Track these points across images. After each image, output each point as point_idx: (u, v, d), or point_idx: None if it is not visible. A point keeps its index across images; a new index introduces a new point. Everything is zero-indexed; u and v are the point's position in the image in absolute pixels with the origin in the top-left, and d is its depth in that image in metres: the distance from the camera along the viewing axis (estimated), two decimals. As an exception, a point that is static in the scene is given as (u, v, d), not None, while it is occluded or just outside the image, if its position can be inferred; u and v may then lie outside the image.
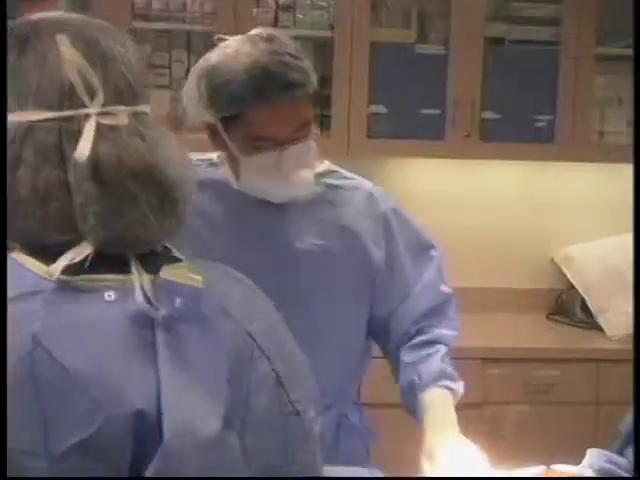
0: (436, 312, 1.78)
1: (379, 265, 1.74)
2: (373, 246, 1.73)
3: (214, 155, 1.73)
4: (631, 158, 3.15)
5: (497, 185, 3.37)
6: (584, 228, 3.38)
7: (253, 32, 1.61)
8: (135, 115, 0.95)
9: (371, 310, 1.77)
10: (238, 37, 1.61)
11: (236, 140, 1.58)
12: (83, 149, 0.89)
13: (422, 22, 3.09)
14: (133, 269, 0.91)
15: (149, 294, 0.89)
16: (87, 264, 0.88)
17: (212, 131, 1.61)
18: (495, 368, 2.92)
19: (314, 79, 1.60)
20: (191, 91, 1.60)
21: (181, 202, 0.96)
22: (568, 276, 3.32)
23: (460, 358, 2.67)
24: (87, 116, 0.91)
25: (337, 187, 1.75)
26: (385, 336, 1.78)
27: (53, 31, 0.93)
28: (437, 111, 3.06)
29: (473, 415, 2.88)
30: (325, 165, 1.76)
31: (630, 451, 1.35)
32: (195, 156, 1.72)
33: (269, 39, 1.58)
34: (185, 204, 0.97)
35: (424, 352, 1.73)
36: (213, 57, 1.58)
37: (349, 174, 1.79)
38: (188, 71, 3.00)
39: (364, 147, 3.05)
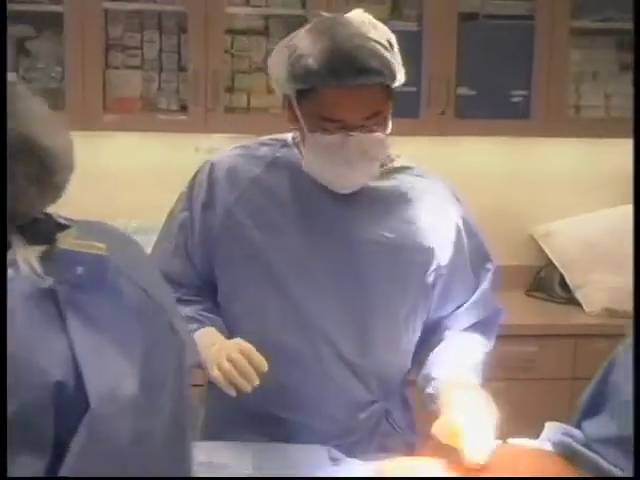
0: (482, 324, 1.78)
1: (442, 269, 1.72)
2: (440, 249, 1.71)
3: (289, 136, 1.74)
4: (608, 132, 3.23)
5: (474, 162, 3.38)
6: (562, 204, 3.41)
7: (348, 14, 1.63)
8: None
9: (428, 312, 1.76)
10: (327, 16, 1.64)
11: (306, 116, 1.59)
12: None
13: (395, -2, 3.08)
14: (15, 243, 0.92)
15: (35, 266, 0.90)
16: None
17: (289, 105, 1.63)
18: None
19: (399, 73, 1.60)
20: (276, 64, 1.62)
21: (59, 171, 0.96)
22: (547, 252, 3.35)
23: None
24: None
25: (410, 182, 1.73)
26: (431, 336, 1.77)
27: None
28: (412, 89, 3.05)
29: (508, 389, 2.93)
30: (402, 160, 1.76)
31: (587, 424, 1.39)
32: (270, 136, 1.76)
33: (352, 21, 1.59)
34: (65, 173, 0.97)
35: (458, 336, 1.75)
36: (298, 33, 1.60)
37: (426, 172, 1.78)
38: (160, 51, 3.06)
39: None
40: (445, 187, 1.78)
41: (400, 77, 1.61)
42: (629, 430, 1.25)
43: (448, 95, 3.06)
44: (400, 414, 1.78)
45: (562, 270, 3.29)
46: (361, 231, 1.67)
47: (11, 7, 2.82)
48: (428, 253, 1.70)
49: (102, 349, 0.90)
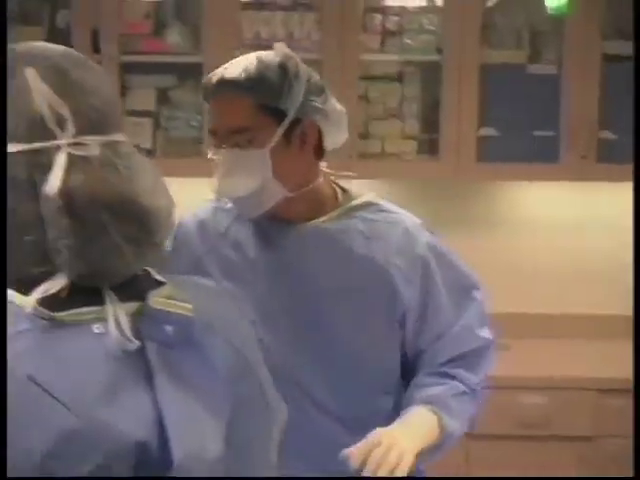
0: (470, 357, 1.74)
1: (409, 303, 1.70)
2: (404, 284, 1.69)
3: None
4: None
5: (615, 208, 3.29)
6: None
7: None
8: (108, 145, 0.94)
9: (402, 347, 1.74)
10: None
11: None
12: (53, 182, 0.89)
13: (534, 41, 3.06)
14: (107, 301, 0.91)
15: (124, 325, 0.90)
16: (65, 295, 0.89)
17: None
18: (610, 399, 2.86)
19: (280, 93, 1.58)
20: None
21: (158, 231, 0.95)
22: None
23: (574, 388, 2.63)
24: (58, 148, 0.91)
25: (373, 220, 1.72)
26: (412, 372, 1.75)
27: (24, 63, 0.93)
28: (551, 133, 3.02)
29: (586, 448, 2.83)
30: (367, 197, 1.74)
31: None
32: None
33: (266, 51, 1.64)
34: (163, 232, 0.96)
35: (438, 380, 1.71)
36: None
37: (392, 208, 1.76)
38: (295, 99, 3.12)
39: (474, 171, 3.03)
40: (411, 221, 1.75)
41: (289, 99, 1.59)
42: None
43: (590, 139, 2.98)
44: None
45: None
46: (324, 278, 1.68)
47: (155, 58, 2.96)
48: (389, 290, 1.69)
49: (189, 409, 0.89)
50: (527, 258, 3.32)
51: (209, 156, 1.64)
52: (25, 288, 0.89)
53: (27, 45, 0.97)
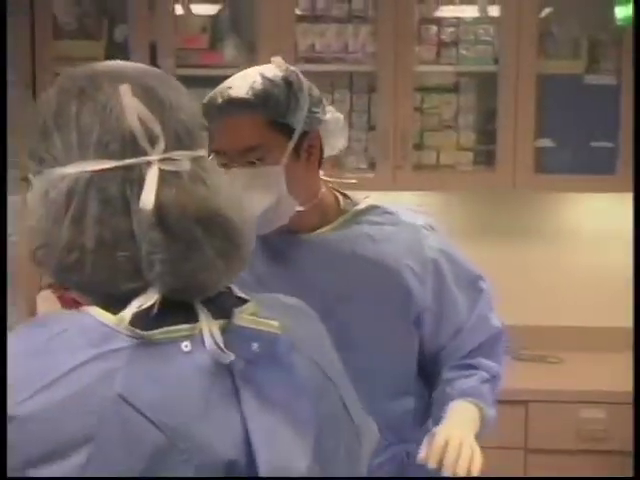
0: (486, 346, 1.79)
1: (423, 303, 1.71)
2: (416, 284, 1.70)
3: None
4: None
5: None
6: None
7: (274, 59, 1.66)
8: (195, 160, 0.95)
9: (421, 346, 1.76)
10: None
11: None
12: (147, 197, 0.90)
13: (592, 51, 3.03)
14: (201, 316, 0.92)
15: (218, 340, 0.90)
16: (155, 311, 0.90)
17: None
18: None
19: (289, 108, 1.58)
20: None
21: (244, 244, 0.96)
22: None
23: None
24: (149, 163, 0.92)
25: (379, 223, 1.72)
26: (433, 369, 1.78)
27: (114, 81, 0.94)
28: (608, 144, 2.99)
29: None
30: (369, 201, 1.74)
31: None
32: None
33: (266, 66, 1.63)
34: (249, 246, 0.97)
35: (465, 372, 1.75)
36: None
37: (396, 209, 1.76)
38: (350, 110, 3.13)
39: (531, 182, 3.01)
40: (413, 219, 1.76)
41: (296, 113, 1.58)
42: None
43: (649, 150, 2.94)
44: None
45: None
46: (337, 287, 1.67)
47: (212, 72, 2.99)
48: (403, 292, 1.69)
49: (274, 426, 0.90)
50: (583, 270, 3.28)
51: None
52: (114, 305, 0.90)
53: (108, 64, 0.99)
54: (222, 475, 0.86)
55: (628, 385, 2.85)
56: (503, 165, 2.99)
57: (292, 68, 1.63)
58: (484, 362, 1.78)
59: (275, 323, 0.93)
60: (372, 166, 3.11)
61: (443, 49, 3.07)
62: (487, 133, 3.09)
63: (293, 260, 1.69)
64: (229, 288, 0.99)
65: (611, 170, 3.00)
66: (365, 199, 1.76)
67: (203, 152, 0.98)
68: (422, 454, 1.58)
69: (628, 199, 3.15)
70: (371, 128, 3.13)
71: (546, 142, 3.02)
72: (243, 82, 1.59)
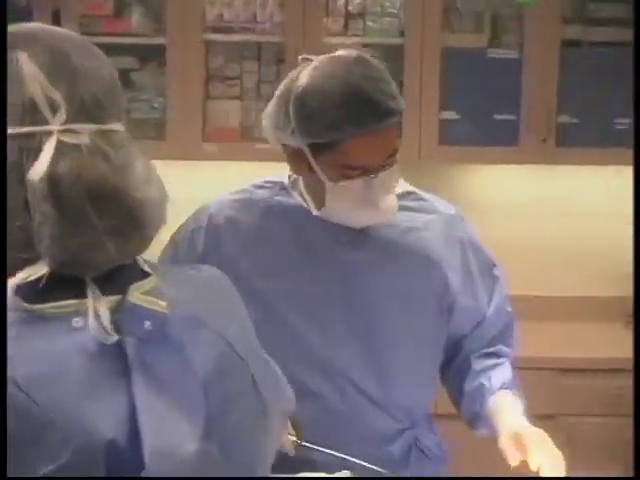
0: (504, 333, 1.82)
1: (457, 290, 1.74)
2: (452, 273, 1.73)
3: (284, 178, 1.74)
4: None
5: (575, 192, 3.37)
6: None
7: (341, 53, 1.60)
8: (102, 133, 0.92)
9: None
10: (325, 57, 1.59)
11: (324, 166, 1.57)
12: (38, 168, 0.87)
13: (495, 26, 3.12)
14: (89, 293, 0.90)
15: (104, 319, 0.89)
16: (43, 284, 0.88)
17: (295, 155, 1.60)
18: (571, 379, 2.93)
19: (403, 103, 1.60)
20: (275, 114, 1.59)
21: (148, 224, 0.93)
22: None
23: (535, 368, 2.71)
24: (50, 133, 0.89)
25: (416, 210, 1.74)
26: (454, 356, 1.81)
27: (18, 45, 0.91)
28: (511, 117, 3.08)
29: (547, 427, 2.89)
30: (401, 186, 1.72)
31: None
32: (265, 178, 1.75)
33: (360, 62, 1.57)
34: (154, 226, 0.94)
35: (494, 361, 1.77)
36: (302, 80, 1.55)
37: (425, 195, 1.79)
38: (259, 82, 3.14)
39: (435, 153, 3.10)
40: (446, 208, 1.79)
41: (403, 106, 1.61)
42: None
43: (549, 123, 3.05)
44: (429, 438, 1.79)
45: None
46: (370, 273, 1.67)
47: (116, 40, 2.96)
48: (441, 284, 1.72)
49: (164, 408, 0.88)
50: (487, 240, 3.37)
51: (343, 186, 1.57)
52: (9, 275, 0.89)
53: (24, 26, 0.96)
54: (102, 456, 0.84)
55: (576, 352, 2.94)
56: (409, 137, 3.05)
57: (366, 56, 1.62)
58: (504, 350, 1.80)
59: (163, 303, 0.91)
60: (281, 137, 3.13)
61: (350, 20, 3.11)
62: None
63: (332, 249, 1.67)
64: (134, 261, 0.97)
65: (514, 142, 3.10)
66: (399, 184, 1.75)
67: (116, 126, 0.94)
68: (514, 457, 1.55)
69: (530, 170, 3.26)
70: (279, 99, 3.14)
71: (450, 114, 3.09)
72: (376, 89, 1.54)
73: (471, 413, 1.74)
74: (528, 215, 3.36)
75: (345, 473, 1.57)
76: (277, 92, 1.61)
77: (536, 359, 2.83)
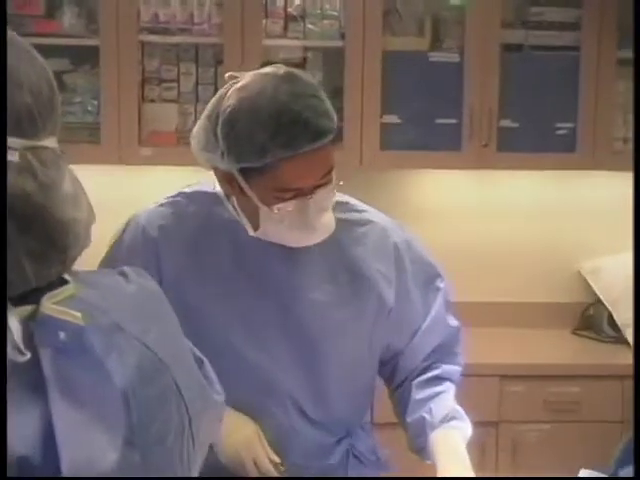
0: (444, 347, 1.80)
1: (391, 304, 1.73)
2: (386, 287, 1.72)
3: (217, 188, 1.69)
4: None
5: (517, 197, 3.42)
6: (611, 239, 3.41)
7: (268, 69, 1.56)
8: (33, 150, 0.88)
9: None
10: (252, 75, 1.55)
11: (257, 190, 1.54)
12: None
13: (436, 29, 3.15)
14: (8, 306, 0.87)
15: (17, 333, 0.86)
16: None
17: (226, 178, 1.57)
18: (515, 385, 2.97)
19: (335, 118, 1.56)
20: (204, 136, 1.57)
21: (71, 246, 0.91)
22: (595, 289, 3.36)
23: (479, 375, 2.74)
24: None
25: (348, 222, 1.72)
26: (392, 371, 1.82)
27: None
28: (453, 121, 3.11)
29: (491, 433, 2.94)
30: (336, 194, 1.71)
31: (624, 472, 1.39)
32: (197, 188, 1.72)
33: (289, 78, 1.53)
34: (76, 249, 0.92)
35: (435, 389, 1.77)
36: (229, 101, 1.52)
37: (359, 205, 1.78)
38: (196, 84, 3.13)
39: (377, 159, 3.11)
40: (381, 219, 1.78)
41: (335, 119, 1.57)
42: None
43: (490, 127, 3.09)
44: (364, 444, 1.81)
45: (610, 308, 3.29)
46: (305, 289, 1.67)
47: (48, 41, 2.92)
48: (375, 299, 1.71)
49: (82, 420, 0.86)
50: (429, 246, 3.40)
51: (277, 210, 1.55)
52: None
53: None
54: (14, 473, 0.82)
55: (519, 358, 2.98)
56: (350, 142, 3.06)
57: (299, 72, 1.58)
58: (447, 368, 1.79)
59: (77, 314, 0.89)
60: (219, 141, 3.12)
61: (290, 23, 3.12)
62: (334, 110, 3.14)
63: (267, 261, 1.66)
64: None
65: (456, 147, 3.13)
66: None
67: (47, 142, 0.91)
68: None
69: (472, 176, 3.30)
70: (218, 102, 3.14)
71: (392, 118, 3.11)
72: (307, 107, 1.49)
73: (417, 446, 1.75)
74: (471, 220, 3.39)
75: None
76: (205, 112, 1.59)
77: (479, 366, 2.86)
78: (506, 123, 3.14)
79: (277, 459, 1.64)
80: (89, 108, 3.08)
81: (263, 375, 1.68)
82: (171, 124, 3.14)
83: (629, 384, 2.92)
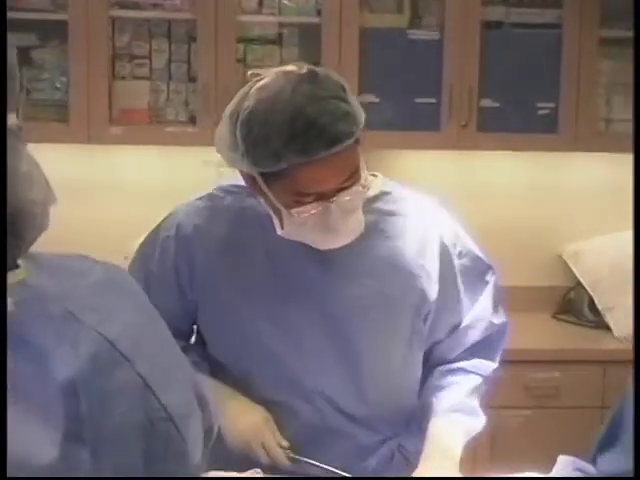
0: (484, 343, 1.79)
1: (433, 300, 1.71)
2: (429, 283, 1.70)
3: None
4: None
5: (497, 178, 3.42)
6: (592, 222, 3.43)
7: (291, 67, 1.54)
8: None
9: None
10: (273, 74, 1.53)
11: (277, 193, 1.54)
12: None
13: (415, 6, 3.14)
14: None
15: None
16: None
17: (250, 179, 1.57)
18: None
19: (362, 118, 1.54)
20: (225, 136, 1.55)
21: (26, 230, 0.91)
22: (575, 273, 3.38)
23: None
24: None
25: (391, 214, 1.70)
26: (425, 358, 1.79)
27: None
28: (432, 100, 3.11)
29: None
30: (378, 185, 1.71)
31: (602, 458, 1.40)
32: (231, 181, 1.71)
33: (311, 78, 1.50)
34: (32, 231, 0.92)
35: (453, 379, 1.76)
36: (248, 101, 1.51)
37: (402, 192, 1.75)
38: (169, 61, 3.11)
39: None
40: (427, 209, 1.76)
41: (362, 120, 1.55)
42: None
43: (470, 107, 3.09)
44: (412, 443, 1.79)
45: (591, 292, 3.31)
46: (343, 285, 1.66)
47: (15, 15, 2.89)
48: (417, 294, 1.69)
49: (20, 415, 0.86)
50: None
51: (297, 215, 1.53)
52: None
53: None
54: None
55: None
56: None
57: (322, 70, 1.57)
58: (477, 362, 1.77)
59: (11, 307, 0.88)
60: (192, 120, 3.11)
61: (266, -2, 3.09)
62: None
63: (305, 260, 1.65)
64: None
65: (435, 127, 3.13)
66: (374, 180, 1.70)
67: (10, 118, 0.93)
68: None
69: (452, 156, 3.31)
70: (191, 79, 3.13)
71: (370, 97, 3.10)
72: (324, 111, 1.46)
73: (424, 426, 1.74)
74: (449, 201, 3.39)
75: (257, 471, 1.61)
76: (226, 111, 1.57)
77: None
78: (486, 103, 3.14)
79: (286, 444, 1.65)
80: (57, 85, 3.05)
81: (294, 372, 1.67)
82: (143, 102, 3.12)
83: (610, 369, 2.97)
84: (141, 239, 1.81)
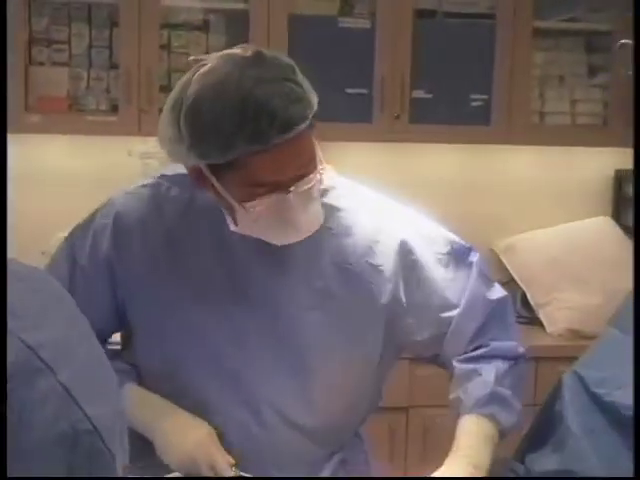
0: (491, 324, 1.71)
1: (393, 302, 1.63)
2: (382, 282, 1.63)
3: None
4: (575, 141, 3.32)
5: (429, 171, 3.45)
6: (525, 217, 3.48)
7: (236, 50, 1.47)
8: None
9: (399, 348, 1.71)
10: (218, 57, 1.47)
11: (230, 187, 1.47)
12: None
13: (346, -7, 3.14)
14: None
15: None
16: None
17: (196, 173, 1.49)
18: (424, 369, 3.01)
19: (315, 101, 1.49)
20: (168, 129, 1.47)
21: None
22: (508, 268, 3.43)
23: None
24: None
25: (338, 210, 1.64)
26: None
27: None
28: (363, 90, 3.12)
29: (401, 419, 2.98)
30: (325, 180, 1.59)
31: (531, 457, 1.42)
32: (180, 170, 1.59)
33: (258, 60, 1.44)
34: None
35: (476, 366, 1.68)
36: (193, 88, 1.44)
37: (352, 189, 1.71)
38: (89, 46, 3.08)
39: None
40: (377, 204, 1.72)
41: (315, 104, 1.50)
42: (571, 464, 1.28)
43: (403, 98, 3.11)
44: (357, 458, 1.77)
45: (524, 287, 3.36)
46: (293, 286, 1.61)
47: None
48: (364, 294, 1.63)
49: None
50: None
51: (252, 209, 1.47)
52: None
53: None
54: None
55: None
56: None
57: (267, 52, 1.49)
58: (496, 345, 1.69)
59: None
60: (114, 108, 3.08)
61: (191, -17, 3.08)
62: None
63: (250, 259, 1.59)
64: None
65: (367, 118, 3.14)
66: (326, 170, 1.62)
67: None
68: None
69: (383, 148, 3.33)
70: (113, 66, 3.10)
71: (300, 87, 3.10)
72: (274, 93, 1.40)
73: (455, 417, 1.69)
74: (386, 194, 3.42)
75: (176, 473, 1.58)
76: (168, 101, 1.50)
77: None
78: (419, 94, 3.17)
79: (232, 460, 1.58)
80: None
81: (241, 381, 1.61)
82: (62, 89, 3.07)
83: (542, 366, 3.02)
84: (62, 233, 1.74)
